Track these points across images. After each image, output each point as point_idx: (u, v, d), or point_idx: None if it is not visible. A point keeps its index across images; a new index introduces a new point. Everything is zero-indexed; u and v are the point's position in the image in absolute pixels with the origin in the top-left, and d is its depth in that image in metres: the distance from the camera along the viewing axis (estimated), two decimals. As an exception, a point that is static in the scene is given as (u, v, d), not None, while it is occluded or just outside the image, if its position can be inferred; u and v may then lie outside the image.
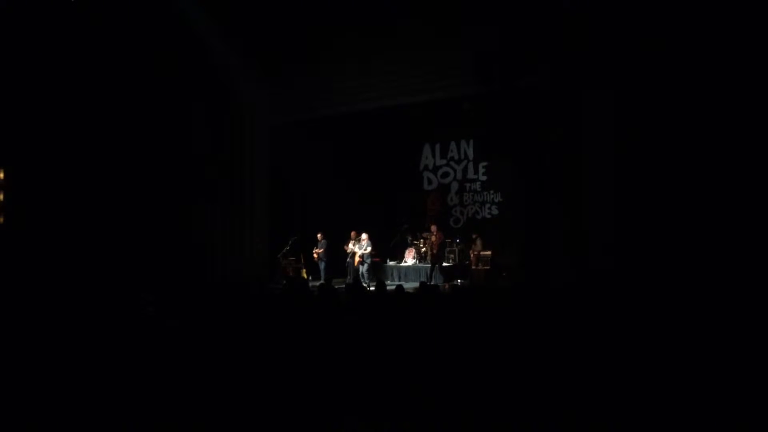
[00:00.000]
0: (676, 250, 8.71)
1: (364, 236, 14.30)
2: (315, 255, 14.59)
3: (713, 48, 8.44)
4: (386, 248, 16.08)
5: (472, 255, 14.19)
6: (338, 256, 14.80)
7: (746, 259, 8.07)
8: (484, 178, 15.93)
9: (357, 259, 14.14)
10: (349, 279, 13.89)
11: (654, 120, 8.97)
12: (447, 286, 12.84)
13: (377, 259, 15.86)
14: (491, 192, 15.83)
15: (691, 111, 8.67)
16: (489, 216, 15.85)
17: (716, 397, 4.07)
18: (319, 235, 14.62)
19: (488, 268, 13.72)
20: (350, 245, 14.32)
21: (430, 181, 16.82)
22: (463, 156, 16.27)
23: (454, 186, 16.41)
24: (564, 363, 4.80)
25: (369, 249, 14.12)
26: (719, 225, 8.45)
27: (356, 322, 5.98)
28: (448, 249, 14.92)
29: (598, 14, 9.78)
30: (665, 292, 7.78)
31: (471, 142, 15.90)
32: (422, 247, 15.12)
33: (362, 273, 13.96)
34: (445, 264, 14.38)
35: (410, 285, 12.60)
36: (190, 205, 14.59)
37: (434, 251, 14.00)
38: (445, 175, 16.56)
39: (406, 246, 15.60)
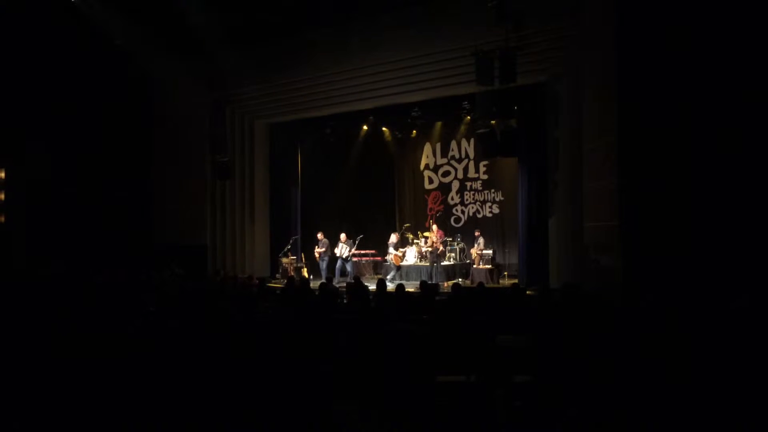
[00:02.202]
0: (679, 250, 8.69)
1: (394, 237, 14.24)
2: (316, 254, 14.59)
3: (715, 45, 8.43)
4: (387, 247, 16.09)
5: (474, 253, 14.21)
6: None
7: (752, 262, 8.03)
8: (485, 176, 15.93)
9: (396, 258, 13.95)
10: (350, 279, 13.89)
11: (655, 118, 8.95)
12: (447, 285, 12.84)
13: (378, 258, 15.88)
14: (492, 191, 15.83)
15: (695, 108, 8.64)
16: (490, 215, 15.86)
17: (721, 399, 4.07)
18: (319, 235, 14.62)
19: (490, 266, 13.74)
20: (338, 248, 14.27)
21: (431, 180, 16.82)
22: (463, 155, 16.26)
23: (455, 185, 16.41)
24: (558, 361, 4.80)
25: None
26: (723, 225, 8.43)
27: (357, 320, 5.99)
28: (448, 248, 14.93)
29: (600, 12, 9.78)
30: (668, 292, 7.76)
31: (471, 140, 15.89)
32: (423, 246, 15.13)
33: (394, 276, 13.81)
34: (445, 263, 14.38)
35: (411, 284, 12.62)
36: (190, 204, 14.63)
37: (435, 250, 13.99)
38: (446, 174, 16.56)
39: (407, 245, 15.60)
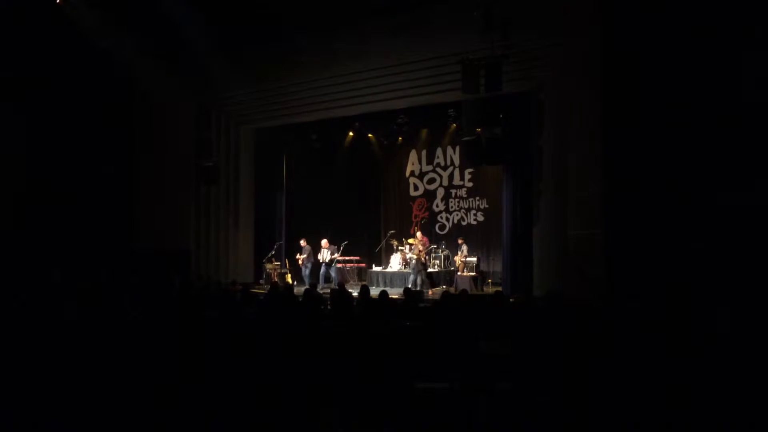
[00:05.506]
0: (662, 258, 8.75)
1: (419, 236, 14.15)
2: (299, 261, 14.53)
3: (702, 56, 8.52)
4: (372, 254, 16.09)
5: (458, 261, 14.23)
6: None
7: (734, 269, 8.10)
8: (470, 184, 15.99)
9: (414, 257, 13.73)
10: (333, 285, 13.84)
11: (640, 127, 9.03)
12: (431, 292, 12.85)
13: (362, 265, 15.86)
14: (477, 198, 15.89)
15: (679, 117, 8.73)
16: (474, 222, 15.91)
17: (703, 405, 4.09)
18: (302, 242, 14.54)
19: (474, 274, 13.77)
20: (321, 254, 14.21)
21: (416, 187, 16.84)
22: (449, 162, 16.32)
23: (440, 192, 16.45)
24: (540, 369, 4.81)
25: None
26: (706, 233, 8.50)
27: (340, 326, 5.96)
28: (433, 255, 14.94)
29: (585, 22, 9.86)
30: (651, 299, 7.81)
31: (457, 148, 15.95)
32: (407, 253, 15.13)
33: (418, 280, 13.42)
34: (430, 270, 14.39)
35: (395, 291, 12.59)
36: (174, 208, 14.53)
37: (419, 257, 13.98)
38: (432, 181, 16.60)
39: (391, 252, 15.60)
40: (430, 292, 12.81)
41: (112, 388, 4.75)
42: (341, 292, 8.56)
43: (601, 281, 9.41)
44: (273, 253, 14.80)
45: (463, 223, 16.06)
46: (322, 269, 14.17)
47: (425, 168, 16.70)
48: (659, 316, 5.88)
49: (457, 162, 16.15)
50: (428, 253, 14.61)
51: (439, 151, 16.44)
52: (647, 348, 4.93)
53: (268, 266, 14.67)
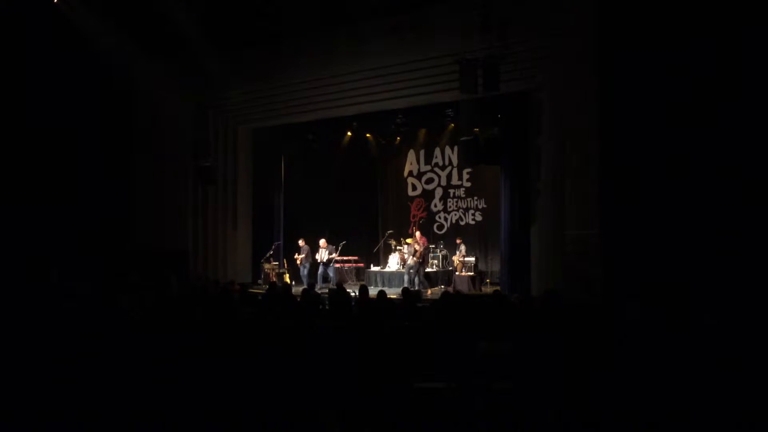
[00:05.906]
0: (660, 258, 8.77)
1: (417, 236, 14.06)
2: (297, 261, 14.53)
3: (697, 55, 8.54)
4: (370, 254, 16.08)
5: (456, 261, 14.23)
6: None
7: (731, 268, 8.11)
8: (468, 184, 15.99)
9: (414, 259, 13.68)
10: (332, 284, 13.83)
11: (637, 127, 9.05)
12: (430, 292, 12.86)
13: (361, 264, 15.86)
14: (475, 198, 15.89)
15: (675, 115, 8.75)
16: (473, 222, 15.91)
17: (699, 405, 4.10)
18: (300, 242, 14.53)
19: (472, 274, 13.78)
20: (319, 254, 14.19)
21: (414, 187, 16.84)
22: (447, 162, 16.31)
23: (439, 192, 16.45)
24: (538, 369, 4.82)
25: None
26: (702, 233, 8.52)
27: (338, 326, 5.96)
28: (431, 255, 14.93)
29: (581, 22, 9.88)
30: (649, 299, 7.82)
31: (455, 148, 15.94)
32: (406, 253, 15.11)
33: (414, 279, 13.32)
34: (428, 270, 14.38)
35: (393, 291, 12.60)
36: (172, 209, 14.52)
37: (418, 257, 13.97)
38: (430, 181, 16.59)
39: (389, 251, 15.59)
40: (428, 292, 12.81)
41: (111, 389, 4.75)
42: (339, 292, 8.57)
43: (599, 281, 9.43)
44: (271, 253, 14.80)
45: (462, 223, 16.05)
46: (321, 269, 14.16)
47: (423, 168, 16.69)
48: (657, 316, 5.89)
49: (455, 162, 16.13)
50: (424, 253, 14.59)
51: (437, 151, 16.43)
52: (645, 347, 4.94)
53: (267, 266, 14.67)
